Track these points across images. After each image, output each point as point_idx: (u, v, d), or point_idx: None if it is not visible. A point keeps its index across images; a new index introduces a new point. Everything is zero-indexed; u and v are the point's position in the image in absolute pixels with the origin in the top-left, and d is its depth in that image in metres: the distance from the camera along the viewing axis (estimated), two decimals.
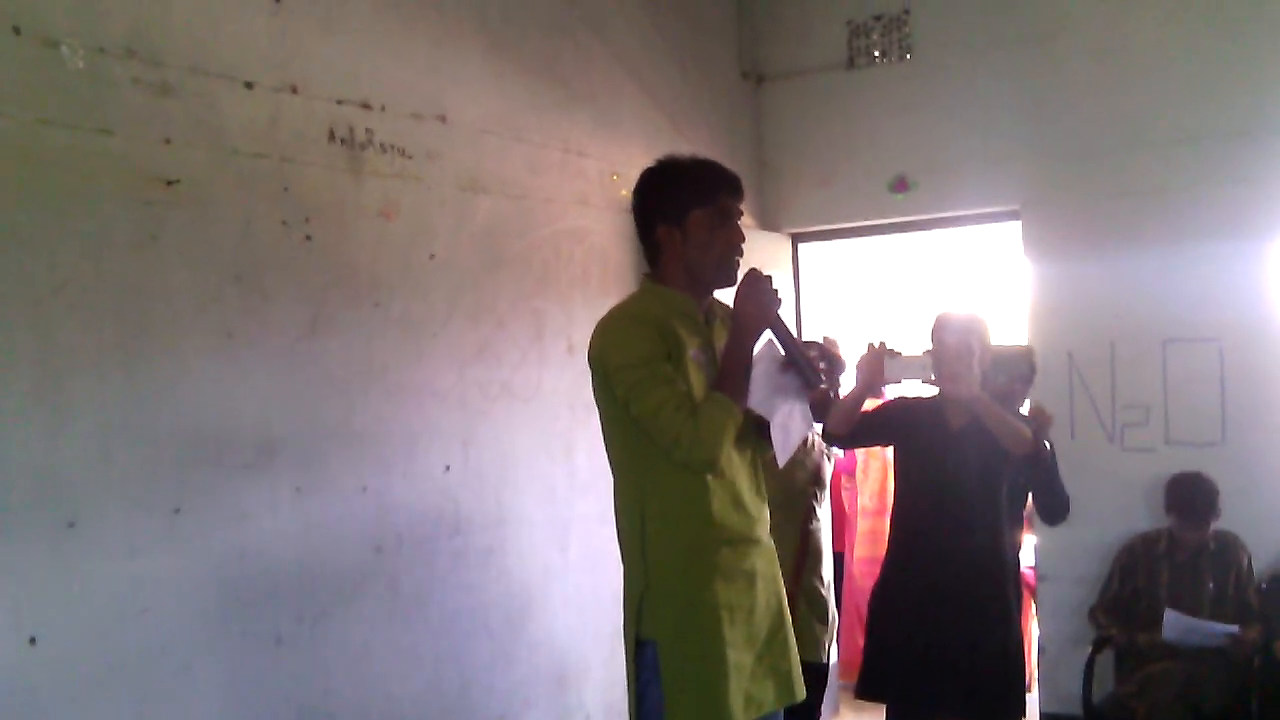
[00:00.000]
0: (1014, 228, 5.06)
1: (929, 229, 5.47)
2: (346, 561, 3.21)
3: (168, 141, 2.75)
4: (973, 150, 5.03)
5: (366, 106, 3.29)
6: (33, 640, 2.42)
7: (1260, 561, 4.33)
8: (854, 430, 3.60)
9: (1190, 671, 4.03)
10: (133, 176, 2.67)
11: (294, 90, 3.08)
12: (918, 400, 3.74)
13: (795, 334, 2.49)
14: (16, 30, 2.46)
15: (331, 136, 3.19)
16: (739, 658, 2.47)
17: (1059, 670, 4.74)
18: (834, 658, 4.61)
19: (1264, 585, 4.32)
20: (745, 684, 2.48)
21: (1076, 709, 4.30)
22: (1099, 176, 4.78)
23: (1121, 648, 4.35)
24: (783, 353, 2.52)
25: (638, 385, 2.37)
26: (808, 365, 2.51)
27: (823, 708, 4.19)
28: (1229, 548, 4.30)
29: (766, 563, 2.58)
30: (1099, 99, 4.79)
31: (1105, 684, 4.37)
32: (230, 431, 2.89)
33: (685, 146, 4.84)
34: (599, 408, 2.53)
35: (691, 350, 2.48)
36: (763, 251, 5.22)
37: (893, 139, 5.23)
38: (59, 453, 2.50)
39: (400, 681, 3.36)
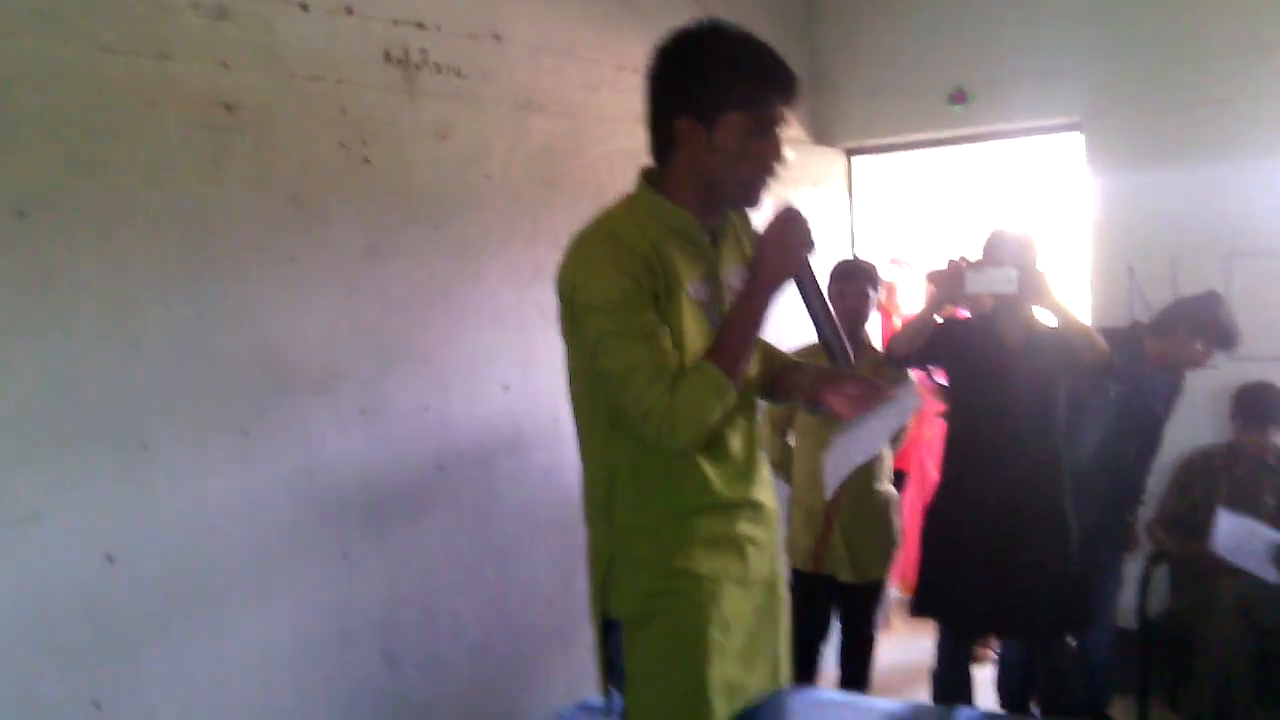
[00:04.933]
0: (1076, 141, 4.96)
1: (988, 141, 5.37)
2: (410, 480, 3.27)
3: (226, 65, 2.76)
4: (1034, 61, 4.91)
5: (421, 26, 3.27)
6: (110, 558, 2.50)
7: None
8: (918, 351, 3.58)
9: (1247, 587, 4.02)
10: (193, 102, 2.69)
11: (349, 11, 3.06)
12: (970, 320, 3.71)
13: (822, 292, 2.06)
14: None
15: (387, 57, 3.18)
16: (723, 639, 2.04)
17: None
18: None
19: None
20: (729, 669, 2.05)
21: (1132, 623, 4.31)
22: (1164, 88, 4.67)
23: (1178, 562, 4.34)
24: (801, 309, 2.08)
25: (609, 337, 1.90)
26: (835, 338, 2.06)
27: (877, 620, 4.23)
28: None
29: (764, 529, 2.15)
30: (1164, 8, 4.65)
31: (1162, 600, 4.38)
32: (295, 354, 2.94)
33: None
34: (564, 340, 2.06)
35: (689, 284, 2.00)
36: (816, 167, 5.18)
37: (951, 49, 5.11)
38: (130, 377, 2.56)
39: (464, 595, 3.44)
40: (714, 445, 2.03)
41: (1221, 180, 4.54)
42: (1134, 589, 4.27)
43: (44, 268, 2.40)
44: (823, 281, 2.08)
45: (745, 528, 2.10)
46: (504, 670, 3.59)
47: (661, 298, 1.93)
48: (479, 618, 3.50)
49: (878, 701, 3.86)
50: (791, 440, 4.16)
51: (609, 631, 2.08)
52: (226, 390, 2.76)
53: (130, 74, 2.55)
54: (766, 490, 2.17)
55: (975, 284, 3.36)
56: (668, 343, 1.92)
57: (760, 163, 1.98)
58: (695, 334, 1.97)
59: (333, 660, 3.05)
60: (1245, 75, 4.49)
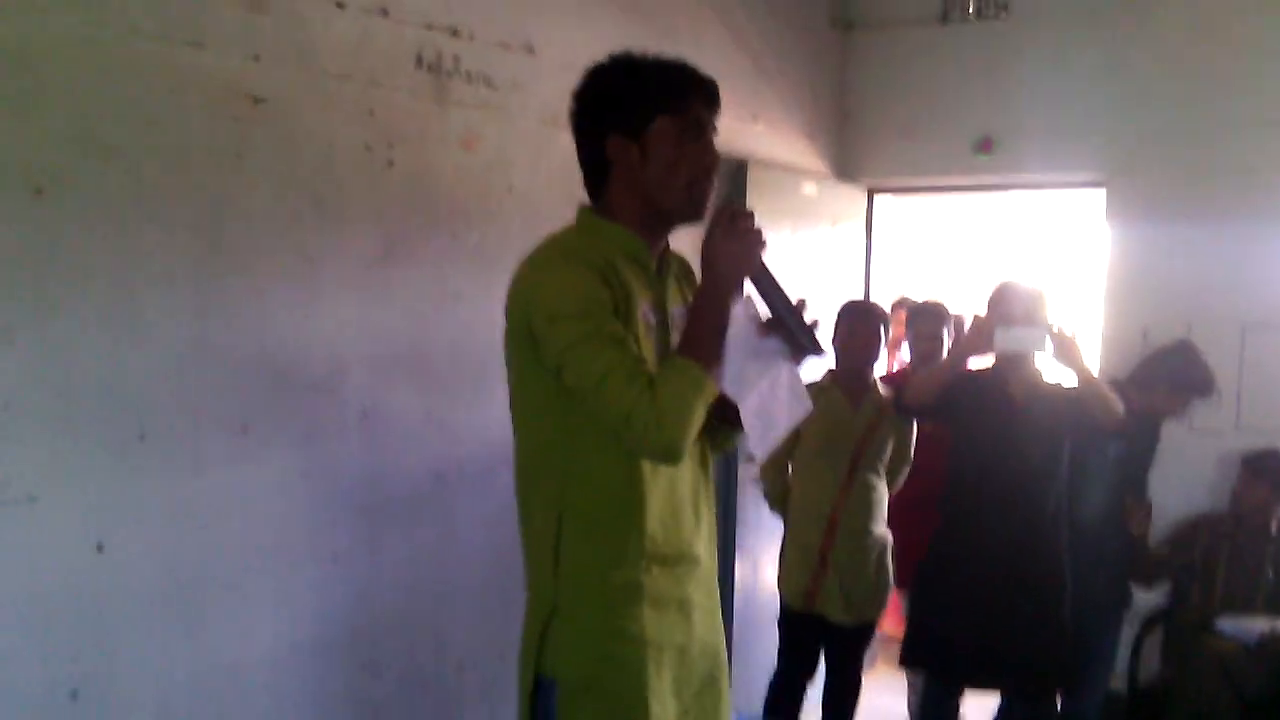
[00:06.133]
0: (1097, 198, 4.94)
1: (1010, 190, 5.36)
2: (407, 488, 3.23)
3: (257, 58, 2.73)
4: (1062, 116, 4.92)
5: (455, 33, 3.25)
6: (100, 547, 2.46)
7: None
8: (931, 403, 3.55)
9: (1235, 655, 3.98)
10: (221, 92, 2.66)
11: (384, 13, 3.04)
12: (979, 373, 3.68)
13: (784, 287, 1.93)
14: None
15: (419, 62, 3.15)
16: (662, 710, 1.94)
17: None
18: None
19: None
20: None
21: (1124, 687, 4.28)
22: (1187, 153, 4.69)
23: (1170, 628, 4.32)
24: (764, 311, 1.96)
25: (577, 345, 1.78)
26: (801, 327, 1.92)
27: (864, 662, 4.19)
28: None
29: (706, 592, 2.06)
30: (1192, 75, 4.70)
31: (1153, 664, 4.35)
32: (302, 353, 2.90)
33: (768, 90, 4.78)
34: (511, 371, 1.98)
35: (642, 306, 1.91)
36: (837, 203, 5.15)
37: (981, 97, 5.11)
38: (131, 364, 2.51)
39: (449, 608, 3.39)
40: (666, 490, 1.95)
41: (1240, 250, 4.55)
42: (1126, 653, 4.24)
43: (54, 247, 2.35)
44: (780, 278, 1.95)
45: (688, 589, 2.00)
46: (486, 688, 3.54)
47: (620, 313, 1.85)
48: (464, 633, 3.45)
49: None
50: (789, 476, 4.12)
51: (538, 691, 1.94)
52: (229, 385, 2.72)
53: (159, 59, 2.52)
54: (707, 546, 2.07)
55: (1005, 342, 3.34)
56: (636, 348, 1.84)
57: (698, 168, 1.94)
58: (649, 356, 1.88)
59: (313, 665, 2.99)
60: (1269, 147, 4.51)
